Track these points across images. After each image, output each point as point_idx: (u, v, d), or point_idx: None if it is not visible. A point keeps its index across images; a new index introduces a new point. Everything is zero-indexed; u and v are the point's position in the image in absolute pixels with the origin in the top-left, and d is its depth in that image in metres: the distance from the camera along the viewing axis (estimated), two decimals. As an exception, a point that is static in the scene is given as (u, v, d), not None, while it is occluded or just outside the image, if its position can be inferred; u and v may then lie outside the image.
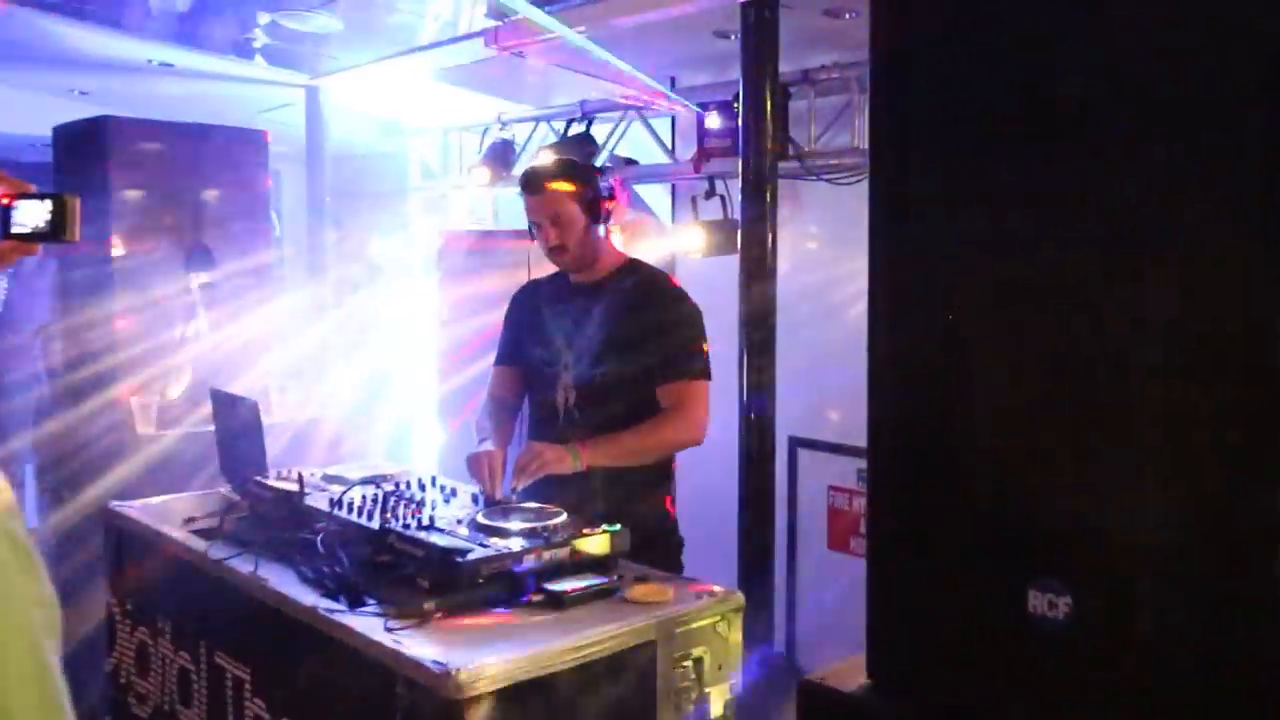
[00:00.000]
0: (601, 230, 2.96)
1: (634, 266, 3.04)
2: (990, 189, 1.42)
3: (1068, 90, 1.33)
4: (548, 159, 3.08)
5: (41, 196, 1.28)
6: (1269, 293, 1.17)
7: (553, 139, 5.57)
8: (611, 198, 2.97)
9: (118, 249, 4.43)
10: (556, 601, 2.18)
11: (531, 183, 2.92)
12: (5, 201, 1.28)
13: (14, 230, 1.28)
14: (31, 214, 1.28)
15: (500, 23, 4.62)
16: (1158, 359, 1.26)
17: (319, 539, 2.42)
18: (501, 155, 5.83)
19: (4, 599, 0.79)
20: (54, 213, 1.28)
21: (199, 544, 2.62)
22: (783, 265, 4.05)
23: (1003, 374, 1.41)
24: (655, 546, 2.69)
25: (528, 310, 3.13)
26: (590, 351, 2.90)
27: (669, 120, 5.31)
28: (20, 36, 5.05)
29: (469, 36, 4.99)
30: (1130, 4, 1.29)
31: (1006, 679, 1.42)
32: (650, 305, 2.92)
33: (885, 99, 1.55)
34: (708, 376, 2.89)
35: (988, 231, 1.43)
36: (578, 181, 2.91)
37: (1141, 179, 1.27)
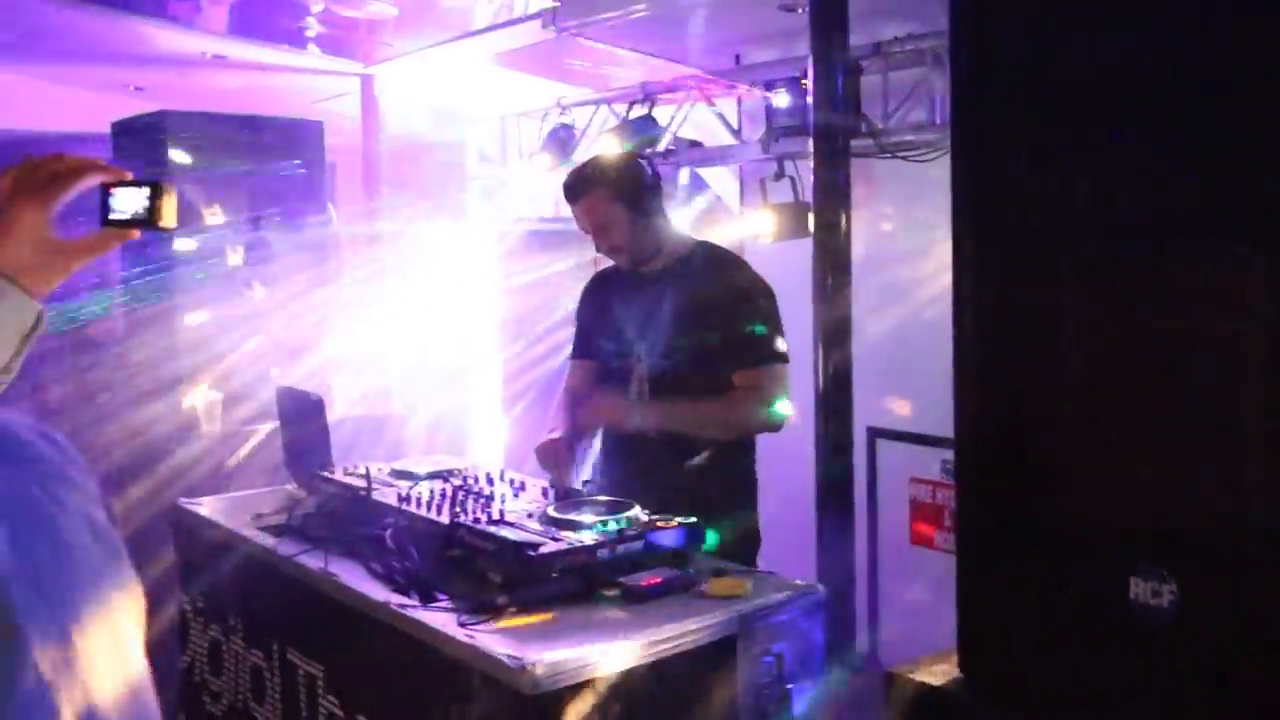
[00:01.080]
0: (657, 218, 2.97)
1: (702, 249, 3.05)
2: (1084, 168, 1.41)
3: (1164, 65, 1.32)
4: (591, 159, 3.09)
5: (139, 184, 1.33)
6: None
7: (614, 123, 5.58)
8: (656, 184, 2.98)
9: (179, 244, 4.55)
10: (632, 596, 2.21)
11: (569, 192, 2.99)
12: (104, 189, 1.33)
13: (113, 217, 1.33)
14: (130, 201, 1.33)
15: (559, 3, 4.65)
16: (1261, 342, 1.24)
17: (388, 534, 2.47)
18: (562, 141, 5.85)
19: (88, 583, 0.81)
20: (151, 199, 1.32)
21: (268, 540, 2.68)
22: (858, 248, 4.02)
23: (1100, 359, 1.40)
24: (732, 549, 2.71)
25: (598, 302, 3.17)
26: (662, 341, 2.92)
27: (735, 100, 5.29)
28: (73, 33, 5.20)
29: (527, 19, 5.03)
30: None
31: (1108, 672, 1.41)
32: (720, 289, 2.92)
33: (968, 72, 1.54)
34: (785, 360, 2.89)
35: (1082, 214, 1.41)
36: (614, 180, 2.93)
37: (1242, 162, 1.25)
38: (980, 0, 1.52)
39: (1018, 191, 1.49)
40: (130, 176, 1.33)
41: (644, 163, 3.09)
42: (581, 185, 2.97)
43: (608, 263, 3.23)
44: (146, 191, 1.32)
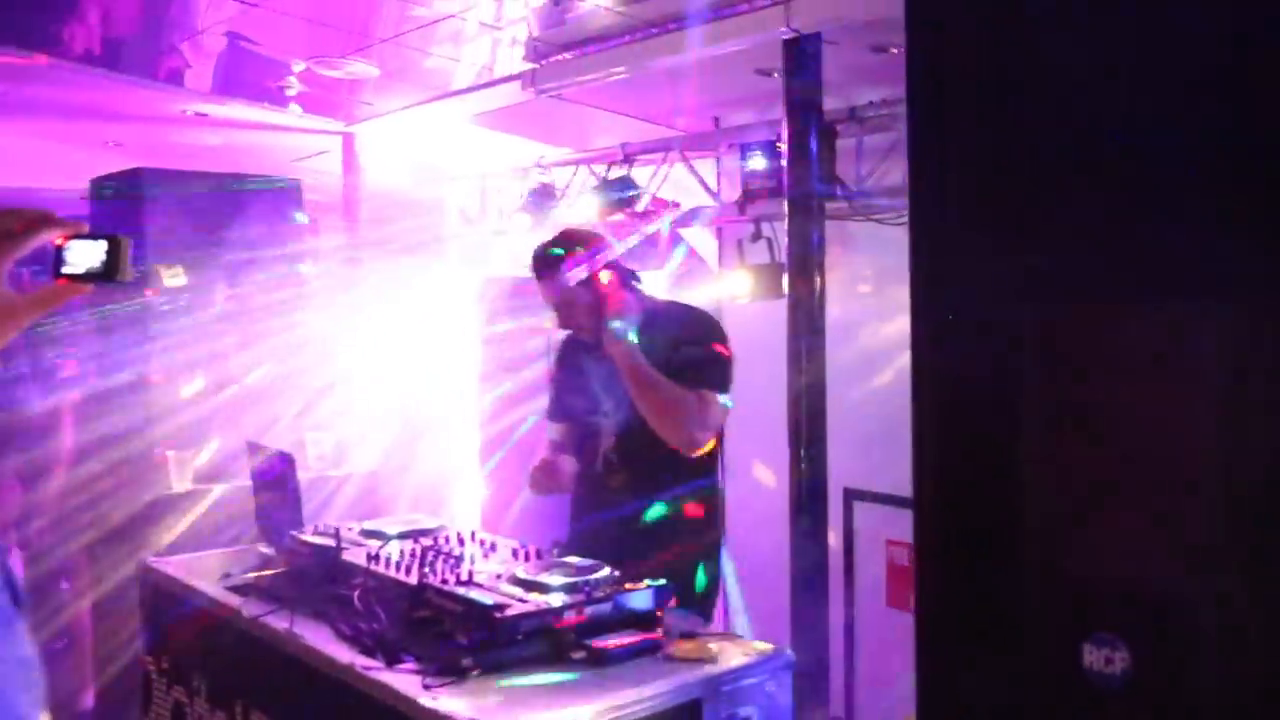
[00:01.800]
0: (620, 289, 3.00)
1: (668, 308, 3.12)
2: (1038, 230, 1.44)
3: (1116, 128, 1.36)
4: (560, 235, 3.15)
5: (94, 237, 1.34)
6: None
7: (594, 182, 5.65)
8: (603, 249, 3.04)
9: (152, 298, 4.56)
10: (598, 658, 2.21)
11: (535, 268, 3.08)
12: (59, 242, 1.35)
13: (66, 270, 1.34)
14: (85, 254, 1.34)
15: (538, 65, 4.73)
16: (1210, 404, 1.27)
17: (355, 595, 2.47)
18: (542, 199, 5.91)
19: None
20: (109, 253, 1.33)
21: (234, 600, 2.68)
22: (833, 309, 4.07)
23: (1053, 425, 1.43)
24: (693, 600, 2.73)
25: (569, 362, 3.23)
26: (626, 396, 2.94)
27: (713, 161, 5.37)
28: (56, 91, 5.25)
29: (506, 80, 5.10)
30: (1177, 41, 1.32)
31: (1063, 736, 1.42)
32: (676, 332, 2.96)
33: (923, 132, 1.59)
34: (719, 389, 2.90)
35: (1034, 276, 1.44)
36: (567, 262, 2.98)
37: (1190, 222, 1.29)
38: (933, 63, 1.57)
39: (971, 254, 1.52)
40: (86, 229, 1.34)
41: (600, 236, 3.15)
42: (545, 266, 3.04)
43: None
44: (103, 245, 1.33)
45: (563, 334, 3.30)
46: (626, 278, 3.05)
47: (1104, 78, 1.37)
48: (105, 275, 1.34)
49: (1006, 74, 1.47)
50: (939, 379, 1.56)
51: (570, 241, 3.07)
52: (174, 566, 3.08)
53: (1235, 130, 1.25)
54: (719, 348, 2.95)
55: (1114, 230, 1.36)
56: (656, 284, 5.10)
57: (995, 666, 1.49)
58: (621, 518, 2.90)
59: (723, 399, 2.88)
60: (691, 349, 2.90)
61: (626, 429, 2.96)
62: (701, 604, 2.85)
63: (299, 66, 5.31)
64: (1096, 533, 1.38)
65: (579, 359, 3.16)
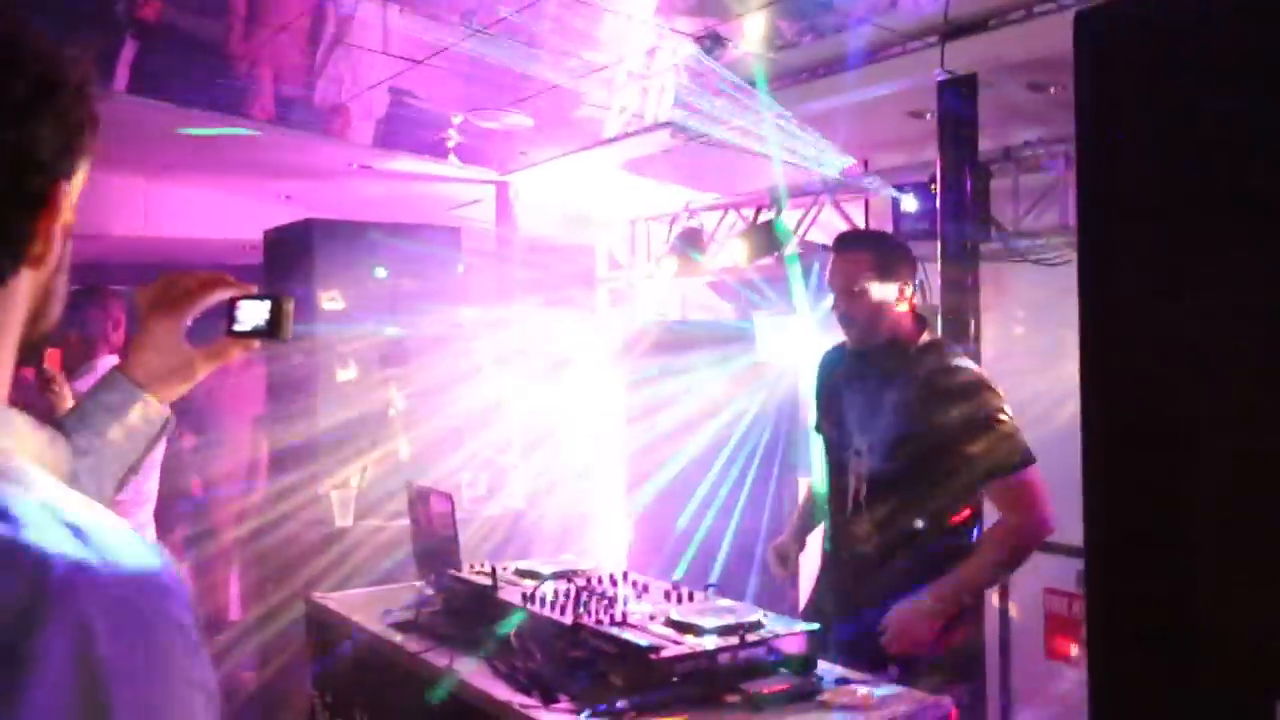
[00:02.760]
0: (899, 308, 2.92)
1: (933, 347, 2.96)
2: (1215, 269, 1.40)
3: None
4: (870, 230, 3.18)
5: (261, 297, 1.46)
6: None
7: (742, 226, 5.67)
8: (912, 274, 2.98)
9: (322, 346, 4.76)
10: (754, 703, 2.19)
11: (837, 243, 3.08)
12: (231, 301, 1.46)
13: (236, 328, 1.46)
14: (252, 314, 1.46)
15: (687, 112, 4.79)
16: None
17: (513, 634, 2.51)
18: (690, 243, 5.95)
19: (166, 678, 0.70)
20: (272, 312, 1.45)
21: (396, 636, 2.75)
22: (987, 352, 3.99)
23: (1231, 468, 1.37)
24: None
25: (826, 378, 3.14)
26: (883, 441, 2.84)
27: (862, 204, 5.34)
28: (234, 148, 5.57)
29: (656, 127, 5.18)
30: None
31: (1251, 800, 1.35)
32: (949, 395, 2.81)
33: (1091, 176, 1.56)
34: (1032, 460, 2.75)
35: (1211, 315, 1.40)
36: (880, 252, 2.96)
37: None
38: (1103, 105, 1.54)
39: (1146, 297, 1.48)
40: (254, 290, 1.46)
41: (909, 253, 3.08)
42: (850, 242, 3.07)
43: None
44: (268, 305, 1.44)
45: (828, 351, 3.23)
46: (913, 296, 2.98)
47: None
48: (270, 333, 1.45)
49: (1189, 102, 1.43)
50: (1111, 421, 1.51)
51: (878, 236, 3.22)
52: (337, 602, 3.18)
53: None
54: (998, 403, 2.80)
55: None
56: (806, 327, 5.08)
57: (1176, 724, 1.43)
58: (863, 565, 2.86)
59: (1031, 466, 2.74)
60: (978, 428, 2.75)
61: (879, 475, 2.85)
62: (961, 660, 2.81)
63: (457, 119, 5.50)
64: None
65: (835, 379, 3.06)
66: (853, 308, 2.91)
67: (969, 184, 3.91)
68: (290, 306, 1.46)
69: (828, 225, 5.49)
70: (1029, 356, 4.55)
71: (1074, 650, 4.58)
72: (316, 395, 4.73)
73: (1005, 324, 4.77)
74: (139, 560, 0.69)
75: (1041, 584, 4.80)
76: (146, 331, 1.46)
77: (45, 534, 0.66)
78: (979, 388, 2.84)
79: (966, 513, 2.87)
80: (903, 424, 2.82)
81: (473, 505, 4.97)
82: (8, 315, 0.79)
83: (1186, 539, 1.42)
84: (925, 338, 2.97)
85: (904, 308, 2.93)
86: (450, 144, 5.68)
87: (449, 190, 6.47)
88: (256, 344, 1.48)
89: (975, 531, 2.94)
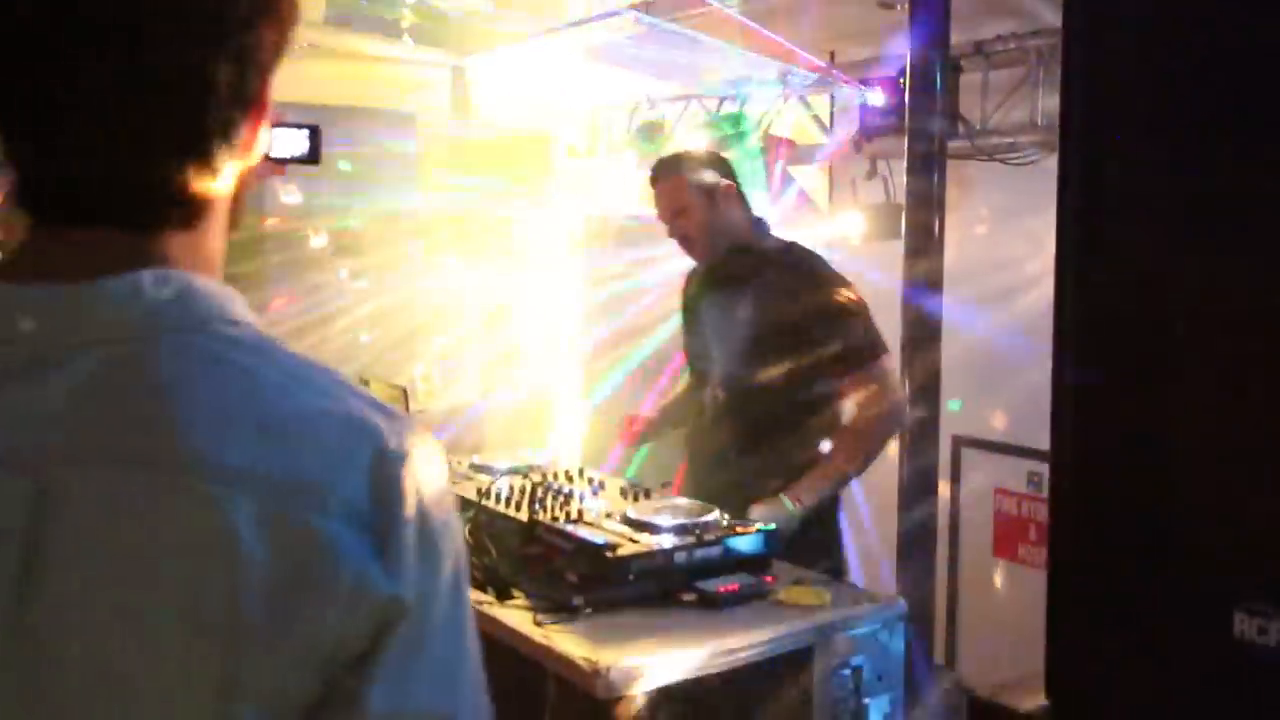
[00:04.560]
0: (733, 215, 2.96)
1: (786, 251, 3.02)
2: (1204, 183, 1.35)
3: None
4: (678, 150, 3.15)
5: (298, 126, 1.57)
6: None
7: (704, 118, 5.56)
8: (734, 182, 2.99)
9: (271, 232, 4.63)
10: (708, 601, 2.19)
11: (652, 174, 3.05)
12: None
13: (274, 155, 1.48)
14: (289, 141, 1.57)
15: (652, -2, 4.64)
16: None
17: (466, 529, 2.48)
18: (650, 135, 5.85)
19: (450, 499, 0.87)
20: (311, 140, 1.57)
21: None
22: (950, 252, 3.95)
23: (1210, 381, 1.35)
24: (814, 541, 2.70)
25: (687, 299, 3.20)
26: (739, 351, 2.89)
27: (827, 98, 5.24)
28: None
29: (618, 13, 5.02)
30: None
31: (1207, 710, 1.36)
32: (805, 299, 2.85)
33: (1080, 72, 1.49)
34: (885, 349, 2.85)
35: (1195, 230, 1.36)
36: (695, 170, 2.95)
37: None
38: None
39: (1131, 193, 1.44)
40: (286, 117, 1.49)
41: (727, 161, 3.10)
42: (664, 169, 3.03)
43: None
44: (305, 133, 1.57)
45: (688, 273, 3.25)
46: (745, 199, 3.00)
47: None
48: (308, 159, 1.58)
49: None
50: (1086, 325, 1.47)
51: (688, 154, 3.09)
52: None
53: None
54: (849, 296, 2.85)
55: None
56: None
57: (1136, 631, 1.43)
58: (724, 465, 2.87)
59: (885, 355, 2.84)
60: (830, 323, 2.79)
61: (736, 385, 2.90)
62: (825, 543, 2.81)
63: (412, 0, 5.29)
64: (1256, 499, 1.30)
65: (695, 297, 3.12)
66: (683, 227, 2.97)
67: (938, 78, 3.83)
68: (320, 135, 1.59)
69: (791, 118, 5.41)
70: (992, 257, 4.53)
71: (1021, 550, 4.66)
72: (268, 284, 4.62)
73: (969, 224, 4.74)
74: (398, 412, 0.85)
75: (991, 484, 4.88)
76: None
77: (350, 403, 0.81)
78: (826, 281, 2.89)
79: (824, 410, 2.87)
80: (753, 328, 2.88)
81: (426, 399, 4.92)
82: (222, 204, 0.85)
83: (1158, 454, 1.40)
84: (770, 242, 3.03)
85: (735, 214, 2.97)
86: (404, 24, 5.47)
87: (406, 74, 6.26)
88: (284, 169, 1.53)
89: (838, 422, 2.96)
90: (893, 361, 2.86)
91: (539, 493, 2.60)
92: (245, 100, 0.82)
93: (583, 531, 2.29)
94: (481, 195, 6.30)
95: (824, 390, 2.84)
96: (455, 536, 0.84)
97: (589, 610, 2.13)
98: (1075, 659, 1.52)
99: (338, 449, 0.79)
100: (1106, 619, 1.48)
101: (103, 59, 0.76)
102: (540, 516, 2.41)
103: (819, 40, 5.08)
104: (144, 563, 0.73)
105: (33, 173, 0.80)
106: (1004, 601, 4.68)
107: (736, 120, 5.34)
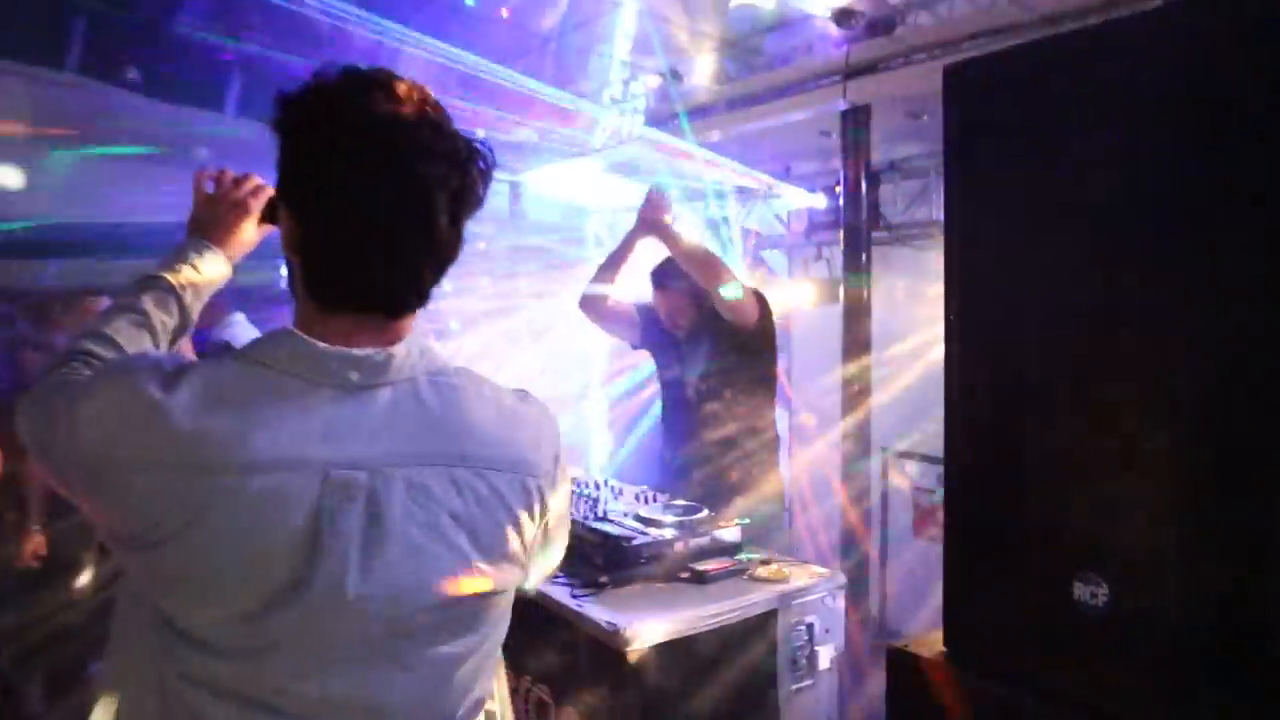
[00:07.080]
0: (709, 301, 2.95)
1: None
2: (1037, 261, 1.40)
3: (1096, 191, 1.32)
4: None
5: None
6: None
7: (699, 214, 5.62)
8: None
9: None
10: (700, 579, 2.22)
11: (656, 279, 3.06)
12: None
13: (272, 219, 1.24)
14: None
15: (658, 129, 4.73)
16: (1180, 402, 1.23)
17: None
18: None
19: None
20: None
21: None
22: (876, 311, 4.01)
23: (1051, 409, 1.39)
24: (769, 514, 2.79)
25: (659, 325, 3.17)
26: (708, 370, 2.98)
27: (785, 200, 5.31)
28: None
29: (633, 140, 5.11)
30: (1144, 132, 1.27)
31: (1056, 653, 1.39)
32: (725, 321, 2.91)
33: (955, 183, 1.54)
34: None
35: (1041, 295, 1.40)
36: (686, 287, 2.96)
37: (1142, 265, 1.25)
38: (966, 136, 1.52)
39: (991, 274, 1.48)
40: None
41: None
42: (668, 281, 3.01)
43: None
44: None
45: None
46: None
47: (1107, 152, 1.31)
48: None
49: (1026, 134, 1.42)
50: (965, 364, 1.51)
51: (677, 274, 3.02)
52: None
53: (1203, 192, 1.20)
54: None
55: (1107, 264, 1.31)
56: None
57: (1006, 595, 1.46)
58: (705, 431, 2.97)
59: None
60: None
61: (706, 390, 2.98)
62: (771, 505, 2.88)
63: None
64: (1081, 497, 1.34)
65: (670, 334, 3.12)
66: (679, 319, 3.03)
67: (864, 187, 3.90)
68: None
69: (760, 215, 5.47)
70: (906, 316, 4.58)
71: (932, 530, 4.67)
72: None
73: (889, 292, 4.78)
74: (533, 398, 1.16)
75: (911, 483, 4.89)
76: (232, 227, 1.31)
77: (526, 403, 1.13)
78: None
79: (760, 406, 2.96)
80: (711, 350, 2.96)
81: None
82: None
83: (1017, 462, 1.44)
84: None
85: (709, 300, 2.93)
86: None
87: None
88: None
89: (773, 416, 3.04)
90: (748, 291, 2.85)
91: (573, 498, 2.64)
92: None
93: (606, 527, 2.31)
94: (529, 271, 6.29)
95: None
96: (568, 480, 1.17)
97: (611, 586, 2.16)
98: (964, 618, 1.54)
99: (537, 436, 1.09)
100: (986, 584, 1.51)
101: (428, 256, 1.01)
102: (574, 516, 2.44)
103: (778, 157, 5.17)
104: (433, 513, 0.98)
105: (346, 282, 0.99)
106: (920, 569, 4.68)
107: (722, 217, 5.41)
